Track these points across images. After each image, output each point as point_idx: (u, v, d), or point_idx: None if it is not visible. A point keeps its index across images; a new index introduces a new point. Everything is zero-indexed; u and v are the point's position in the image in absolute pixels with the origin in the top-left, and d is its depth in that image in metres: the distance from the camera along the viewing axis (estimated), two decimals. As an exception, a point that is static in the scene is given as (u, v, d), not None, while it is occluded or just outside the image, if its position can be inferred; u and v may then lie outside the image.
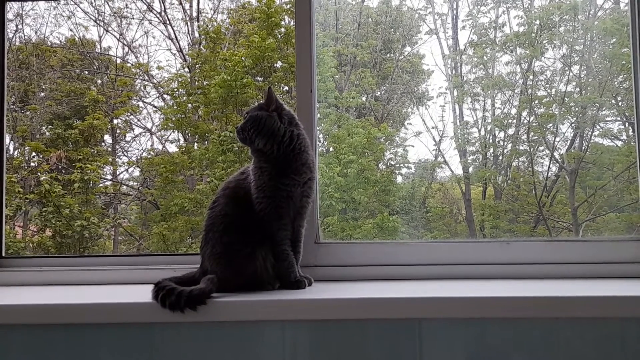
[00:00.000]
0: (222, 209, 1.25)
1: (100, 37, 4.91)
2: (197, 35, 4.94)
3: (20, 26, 4.67)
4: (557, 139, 3.95)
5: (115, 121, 4.84)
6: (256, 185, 1.24)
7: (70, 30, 4.97)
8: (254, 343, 1.13)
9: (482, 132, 4.26)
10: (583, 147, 3.87)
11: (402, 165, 4.39)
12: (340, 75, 4.57)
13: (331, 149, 4.21)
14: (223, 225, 1.23)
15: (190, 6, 4.96)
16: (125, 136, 5.00)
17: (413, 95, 4.61)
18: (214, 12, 5.10)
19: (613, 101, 3.77)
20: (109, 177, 4.85)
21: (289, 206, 1.25)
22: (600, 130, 3.78)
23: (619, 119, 3.74)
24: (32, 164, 4.61)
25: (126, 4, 4.83)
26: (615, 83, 3.74)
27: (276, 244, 1.24)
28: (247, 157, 3.95)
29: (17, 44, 4.64)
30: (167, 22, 4.87)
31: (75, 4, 4.69)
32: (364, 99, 4.63)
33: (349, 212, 4.04)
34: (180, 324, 1.14)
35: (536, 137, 4.01)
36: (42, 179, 4.33)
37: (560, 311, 1.08)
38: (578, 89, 3.93)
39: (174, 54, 5.02)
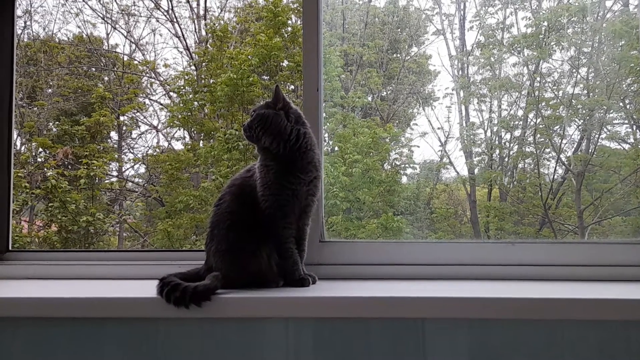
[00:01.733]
0: (227, 206, 1.25)
1: (107, 34, 4.94)
2: (204, 33, 4.96)
3: (28, 23, 4.71)
4: (564, 141, 3.93)
5: (121, 118, 4.87)
6: (262, 183, 1.25)
7: (78, 27, 5.00)
8: (257, 340, 1.14)
9: (488, 134, 4.25)
10: (590, 150, 3.85)
11: (407, 165, 4.38)
12: (346, 75, 4.57)
13: (336, 148, 4.21)
14: (228, 222, 1.23)
15: (198, 4, 4.98)
16: (131, 133, 5.03)
17: (419, 96, 4.60)
18: (221, 10, 5.12)
19: (621, 104, 3.74)
20: (114, 173, 4.88)
21: (294, 204, 1.26)
22: (608, 133, 3.76)
23: (626, 122, 3.72)
24: (39, 160, 4.65)
25: (134, 2, 4.85)
26: (624, 86, 3.71)
27: (281, 242, 1.25)
28: (252, 155, 3.96)
29: (25, 40, 4.67)
30: (174, 20, 4.89)
31: (84, 1, 4.72)
32: (369, 98, 4.63)
33: (354, 212, 4.03)
34: (184, 320, 1.14)
35: (543, 139, 4.00)
36: (48, 174, 4.36)
37: (564, 313, 1.07)
38: (585, 91, 3.90)
39: (181, 52, 5.03)
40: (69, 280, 1.52)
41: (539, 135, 4.00)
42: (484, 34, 4.25)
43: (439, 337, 1.11)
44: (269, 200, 1.23)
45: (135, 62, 5.05)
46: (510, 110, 4.23)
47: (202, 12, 4.99)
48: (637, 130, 3.72)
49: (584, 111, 3.90)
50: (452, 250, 1.46)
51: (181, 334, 1.15)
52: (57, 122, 4.78)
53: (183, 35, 4.89)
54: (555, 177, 3.98)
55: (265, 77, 4.65)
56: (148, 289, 1.17)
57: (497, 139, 4.25)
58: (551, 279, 1.37)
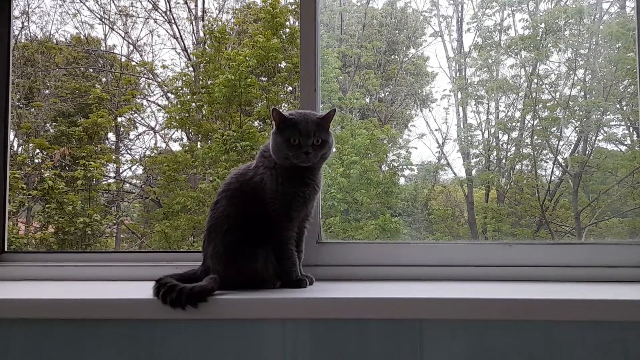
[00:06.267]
0: (224, 210, 1.25)
1: (105, 35, 4.93)
2: (201, 34, 4.95)
3: (26, 23, 4.69)
4: (561, 142, 3.93)
5: (119, 119, 4.86)
6: (273, 188, 1.24)
7: (76, 28, 4.98)
8: (254, 341, 1.13)
9: (486, 135, 4.25)
10: (587, 151, 3.86)
11: (405, 167, 4.38)
12: (344, 76, 4.57)
13: (334, 149, 4.20)
14: (225, 226, 1.23)
15: (196, 6, 4.97)
16: (129, 134, 5.02)
17: (417, 97, 4.61)
18: (219, 11, 5.12)
19: (617, 106, 3.75)
20: (112, 174, 4.86)
21: (304, 209, 1.27)
22: (605, 134, 3.77)
23: (623, 123, 3.73)
24: (36, 161, 4.63)
25: (132, 3, 4.85)
26: (620, 87, 3.72)
27: (282, 243, 1.25)
28: (249, 156, 3.95)
29: (22, 41, 4.66)
30: (172, 21, 4.88)
31: (81, 2, 4.71)
32: (367, 100, 4.63)
33: (351, 213, 4.03)
34: (181, 321, 1.14)
35: (540, 141, 4.00)
36: (45, 175, 4.35)
37: (561, 314, 1.08)
38: (582, 93, 3.91)
39: (179, 53, 5.03)
40: (65, 281, 1.51)
41: (536, 137, 4.00)
42: (482, 36, 4.25)
43: (437, 338, 1.11)
44: (279, 203, 1.23)
45: (133, 63, 5.04)
46: (508, 111, 4.24)
47: (200, 14, 4.99)
48: (634, 132, 3.74)
49: (581, 113, 3.91)
50: (450, 251, 1.46)
51: (178, 335, 1.15)
52: (55, 123, 4.76)
53: (181, 36, 4.89)
54: (553, 178, 3.98)
55: (263, 79, 4.64)
56: (145, 291, 1.16)
57: (494, 140, 4.25)
58: (548, 280, 1.37)
